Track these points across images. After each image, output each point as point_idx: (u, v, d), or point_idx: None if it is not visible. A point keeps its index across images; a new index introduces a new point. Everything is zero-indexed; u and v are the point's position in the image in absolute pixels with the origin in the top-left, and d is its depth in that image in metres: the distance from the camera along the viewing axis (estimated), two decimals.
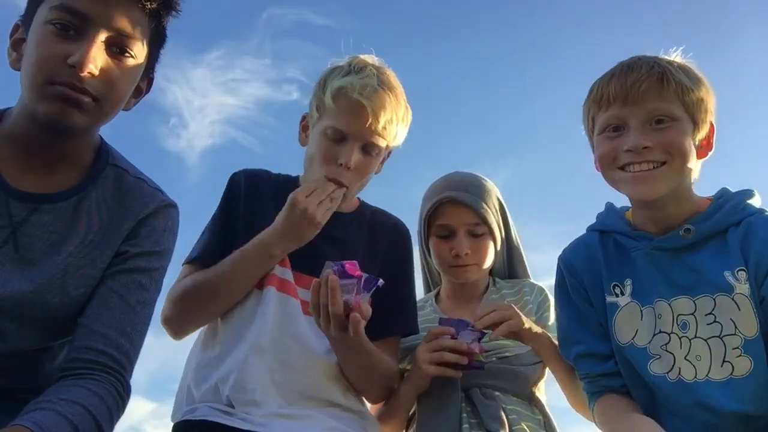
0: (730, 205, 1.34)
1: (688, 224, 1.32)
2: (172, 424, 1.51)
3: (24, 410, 1.02)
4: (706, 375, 1.26)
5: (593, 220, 1.55)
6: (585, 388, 1.43)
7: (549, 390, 1.76)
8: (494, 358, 1.69)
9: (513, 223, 1.90)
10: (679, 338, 1.30)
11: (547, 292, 1.83)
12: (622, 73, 1.35)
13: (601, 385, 1.40)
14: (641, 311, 1.35)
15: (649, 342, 1.33)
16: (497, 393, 1.63)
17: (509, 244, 1.90)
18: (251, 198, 1.62)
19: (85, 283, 1.18)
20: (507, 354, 1.70)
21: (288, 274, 1.55)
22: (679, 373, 1.29)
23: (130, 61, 1.16)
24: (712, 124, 1.36)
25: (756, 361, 1.23)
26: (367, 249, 1.61)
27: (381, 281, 1.38)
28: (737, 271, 1.27)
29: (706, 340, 1.27)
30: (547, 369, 1.71)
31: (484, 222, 1.77)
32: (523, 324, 1.57)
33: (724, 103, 1.43)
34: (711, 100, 1.35)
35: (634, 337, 1.35)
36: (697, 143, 1.34)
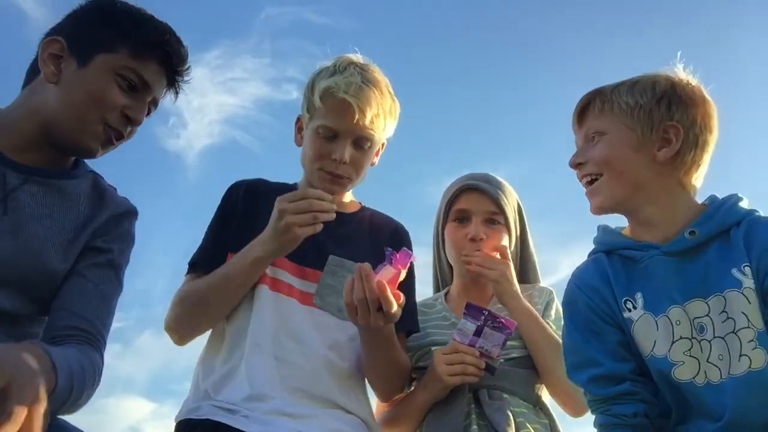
0: (728, 206, 1.36)
1: (691, 227, 1.33)
2: (173, 424, 1.50)
3: None
4: (728, 373, 1.26)
5: (592, 220, 1.54)
6: (598, 420, 1.38)
7: None
8: (502, 360, 1.69)
9: (530, 229, 1.91)
10: (699, 342, 1.29)
11: (554, 294, 1.84)
12: None
13: (613, 415, 1.34)
14: (656, 322, 1.33)
15: (669, 350, 1.31)
16: (505, 395, 1.63)
17: (524, 249, 1.90)
18: (248, 211, 1.64)
19: (58, 261, 1.26)
20: (514, 356, 1.71)
21: (281, 273, 1.58)
22: (706, 377, 1.28)
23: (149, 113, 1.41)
24: (668, 126, 1.36)
25: None
26: (369, 248, 1.63)
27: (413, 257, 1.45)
28: (743, 267, 1.28)
29: (724, 338, 1.27)
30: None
31: (502, 212, 1.78)
32: (507, 279, 1.69)
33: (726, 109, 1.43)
34: (662, 103, 1.36)
35: (653, 348, 1.33)
36: (653, 147, 1.36)
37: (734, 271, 1.28)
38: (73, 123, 1.28)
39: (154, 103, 1.39)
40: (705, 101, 1.39)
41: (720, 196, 1.41)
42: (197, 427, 1.43)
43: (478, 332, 1.59)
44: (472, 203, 1.79)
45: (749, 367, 1.24)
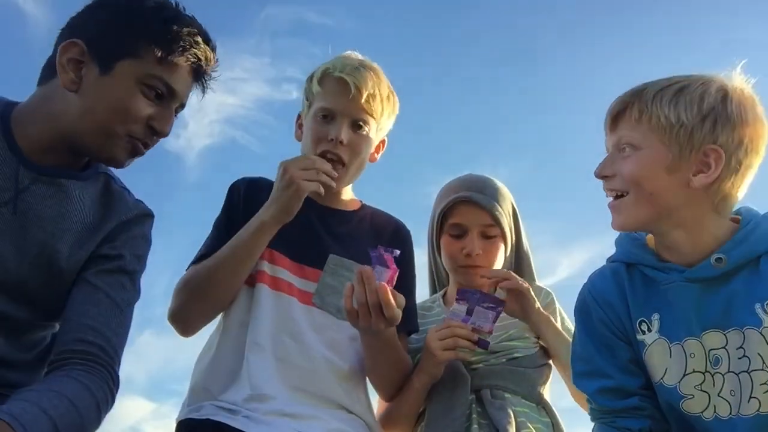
0: (762, 230, 1.25)
1: (719, 253, 1.23)
2: (173, 424, 1.51)
3: (11, 397, 1.06)
4: (738, 411, 1.22)
5: (592, 220, 1.52)
6: (598, 431, 1.35)
7: (552, 388, 1.76)
8: (504, 359, 1.70)
9: (524, 230, 1.88)
10: (712, 375, 1.25)
11: (553, 295, 1.82)
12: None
13: (617, 428, 1.32)
14: (670, 348, 1.28)
15: (679, 381, 1.27)
16: (507, 395, 1.64)
17: (519, 250, 1.89)
18: (249, 206, 1.61)
19: (63, 262, 1.23)
20: (516, 355, 1.71)
21: (281, 272, 1.57)
22: (715, 411, 1.25)
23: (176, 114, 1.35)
24: (710, 150, 1.21)
25: None
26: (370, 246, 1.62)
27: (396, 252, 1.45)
28: (767, 304, 1.20)
29: (737, 375, 1.22)
30: (552, 370, 1.73)
31: (498, 224, 1.76)
32: (532, 294, 1.67)
33: None
34: (707, 122, 1.21)
35: (663, 376, 1.29)
36: (689, 171, 1.22)
37: (757, 308, 1.21)
38: (99, 136, 1.22)
39: (182, 106, 1.33)
40: (756, 120, 1.24)
41: (753, 206, 1.31)
42: (198, 427, 1.43)
43: (469, 312, 1.60)
44: (467, 217, 1.76)
45: (758, 410, 1.20)
